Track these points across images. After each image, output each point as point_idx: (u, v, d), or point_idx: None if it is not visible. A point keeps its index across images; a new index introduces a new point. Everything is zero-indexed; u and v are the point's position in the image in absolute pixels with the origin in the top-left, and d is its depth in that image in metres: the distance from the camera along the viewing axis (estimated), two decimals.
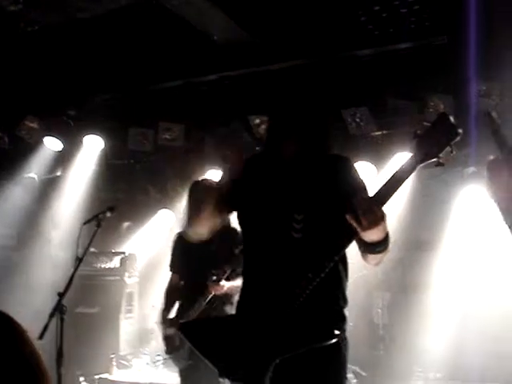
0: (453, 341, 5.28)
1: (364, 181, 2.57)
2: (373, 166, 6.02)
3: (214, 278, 4.01)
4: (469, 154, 5.82)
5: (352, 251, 2.42)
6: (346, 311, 2.53)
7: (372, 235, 2.21)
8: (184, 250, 4.39)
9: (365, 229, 2.15)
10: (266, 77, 5.60)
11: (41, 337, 3.31)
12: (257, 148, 6.72)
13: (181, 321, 4.04)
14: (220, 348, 2.47)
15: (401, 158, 5.86)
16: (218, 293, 4.11)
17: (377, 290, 5.99)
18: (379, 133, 6.02)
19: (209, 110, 6.15)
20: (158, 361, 6.32)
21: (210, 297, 4.10)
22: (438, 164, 2.24)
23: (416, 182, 6.26)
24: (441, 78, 5.48)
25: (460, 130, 2.21)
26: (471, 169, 6.40)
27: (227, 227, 4.14)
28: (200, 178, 4.99)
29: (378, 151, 5.96)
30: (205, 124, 6.53)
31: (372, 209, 2.15)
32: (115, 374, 6.50)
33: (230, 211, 2.82)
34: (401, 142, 5.84)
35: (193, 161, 6.82)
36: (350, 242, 2.30)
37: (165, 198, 7.50)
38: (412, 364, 5.66)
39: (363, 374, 5.71)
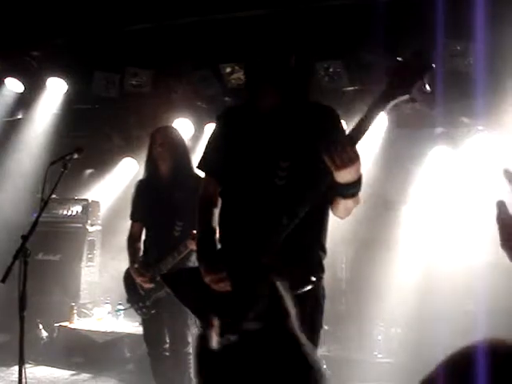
0: (415, 297, 5.35)
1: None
2: (343, 121, 5.95)
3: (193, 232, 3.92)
4: (437, 114, 5.84)
5: None
6: (324, 262, 2.53)
7: (346, 175, 2.20)
8: (145, 198, 4.28)
9: (339, 168, 2.15)
10: (241, 24, 5.43)
11: (3, 280, 3.20)
12: (226, 98, 6.59)
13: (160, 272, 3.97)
14: (202, 298, 2.45)
15: None
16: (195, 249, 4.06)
17: (341, 245, 6.00)
18: (351, 88, 5.95)
19: (179, 56, 5.95)
20: (120, 310, 6.27)
21: (186, 252, 4.04)
22: (411, 100, 2.21)
23: (384, 141, 6.28)
24: (416, 35, 5.39)
25: (434, 65, 2.19)
26: (439, 129, 6.44)
27: (190, 174, 4.09)
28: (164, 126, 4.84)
29: (349, 107, 5.87)
30: (174, 70, 6.33)
31: (345, 148, 2.14)
32: (76, 322, 6.44)
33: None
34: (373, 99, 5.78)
35: (160, 108, 6.64)
36: (324, 183, 2.27)
37: (129, 146, 7.32)
38: (373, 319, 5.74)
39: (325, 327, 5.73)
